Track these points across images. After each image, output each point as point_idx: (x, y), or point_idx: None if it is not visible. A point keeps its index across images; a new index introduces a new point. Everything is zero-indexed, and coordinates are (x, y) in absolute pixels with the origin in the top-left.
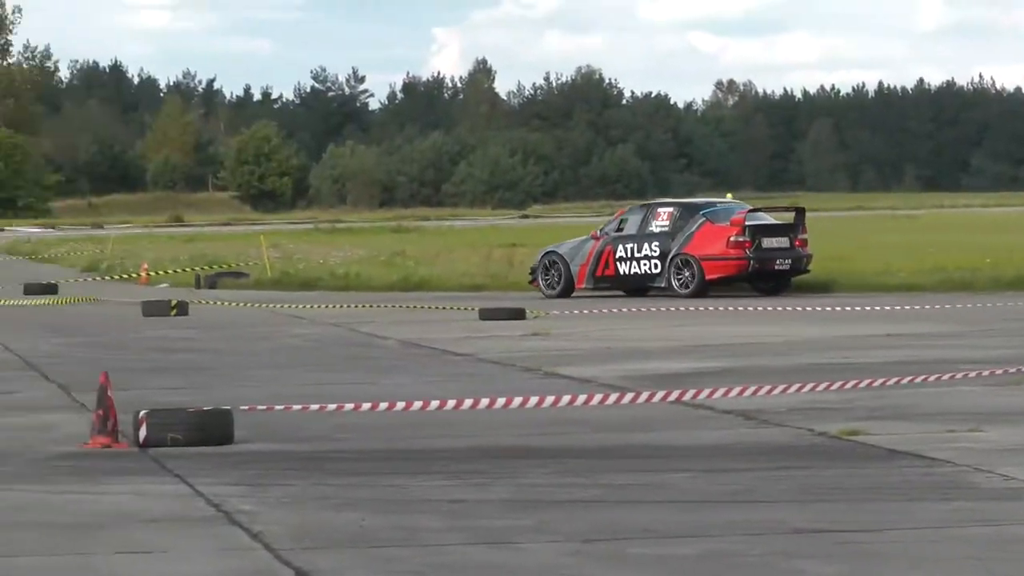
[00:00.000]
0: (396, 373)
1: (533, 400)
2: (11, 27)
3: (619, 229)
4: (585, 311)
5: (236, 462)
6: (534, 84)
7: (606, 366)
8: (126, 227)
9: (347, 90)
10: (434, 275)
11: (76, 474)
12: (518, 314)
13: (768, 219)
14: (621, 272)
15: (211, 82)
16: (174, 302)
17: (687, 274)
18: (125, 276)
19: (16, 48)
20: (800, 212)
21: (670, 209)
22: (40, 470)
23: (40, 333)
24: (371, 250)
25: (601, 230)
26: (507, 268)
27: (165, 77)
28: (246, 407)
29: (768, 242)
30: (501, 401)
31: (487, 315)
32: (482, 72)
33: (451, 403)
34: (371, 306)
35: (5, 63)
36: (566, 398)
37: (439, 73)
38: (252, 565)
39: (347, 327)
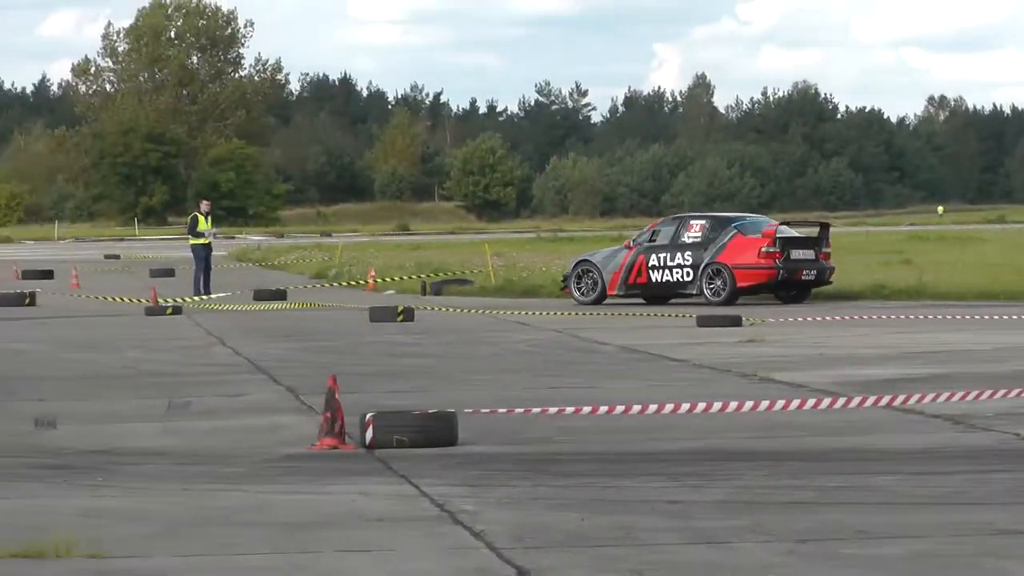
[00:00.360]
0: (615, 377)
1: (748, 404)
2: (243, 41)
3: (652, 240)
4: (799, 319)
5: (459, 463)
6: (751, 98)
7: (819, 372)
8: (354, 235)
9: (570, 103)
10: None
11: (304, 474)
12: (734, 321)
13: (795, 233)
14: (653, 280)
15: (438, 95)
16: (400, 308)
17: (719, 282)
18: (353, 283)
19: (248, 61)
20: (825, 227)
21: (702, 221)
22: (269, 471)
23: (269, 338)
24: None
25: (634, 240)
26: None
27: (393, 90)
28: (470, 410)
29: (796, 254)
30: (717, 405)
31: (704, 322)
32: (701, 86)
33: (669, 407)
34: (591, 313)
35: (237, 76)
36: (780, 402)
37: (659, 87)
38: (475, 563)
39: (568, 333)
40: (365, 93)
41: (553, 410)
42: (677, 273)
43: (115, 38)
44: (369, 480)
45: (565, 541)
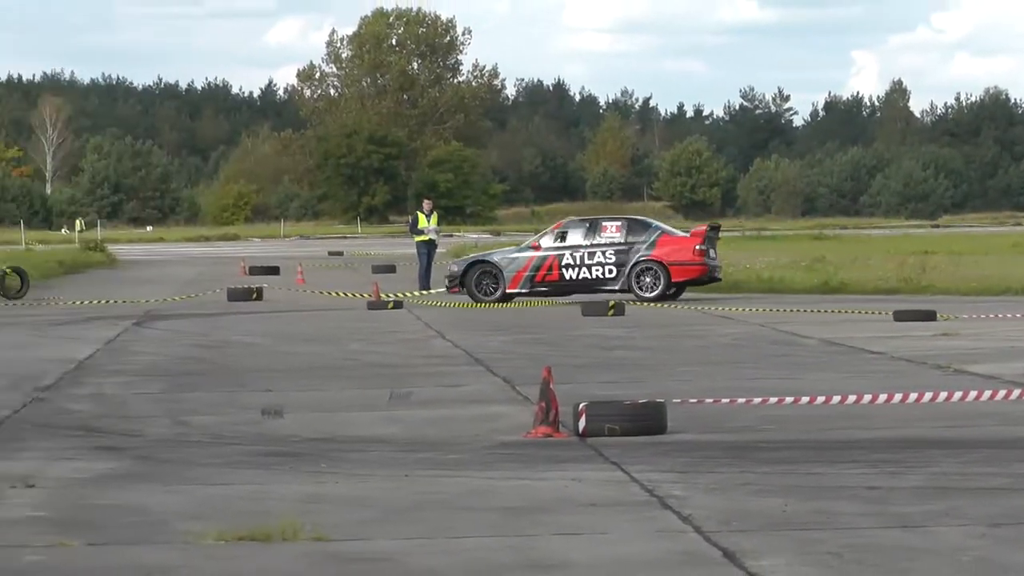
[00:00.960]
0: (816, 369)
1: (943, 395)
2: (461, 48)
3: (560, 240)
4: (992, 315)
5: (668, 451)
6: (945, 103)
7: (1012, 364)
8: None
9: (773, 108)
10: (852, 280)
11: (519, 461)
12: (929, 316)
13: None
14: (567, 277)
15: (647, 100)
16: (612, 303)
17: (649, 279)
18: None
19: (466, 67)
20: (716, 229)
21: (616, 223)
22: (486, 458)
23: (486, 331)
24: (793, 256)
25: (539, 241)
26: (919, 273)
27: (604, 95)
28: (678, 400)
29: (711, 253)
30: (913, 396)
31: (901, 316)
32: (898, 92)
33: (867, 397)
34: (793, 310)
35: (455, 81)
36: (973, 393)
37: (858, 92)
38: (682, 546)
39: (771, 327)
40: (577, 98)
41: (757, 400)
42: (597, 271)
43: (339, 45)
44: (582, 467)
45: (769, 525)
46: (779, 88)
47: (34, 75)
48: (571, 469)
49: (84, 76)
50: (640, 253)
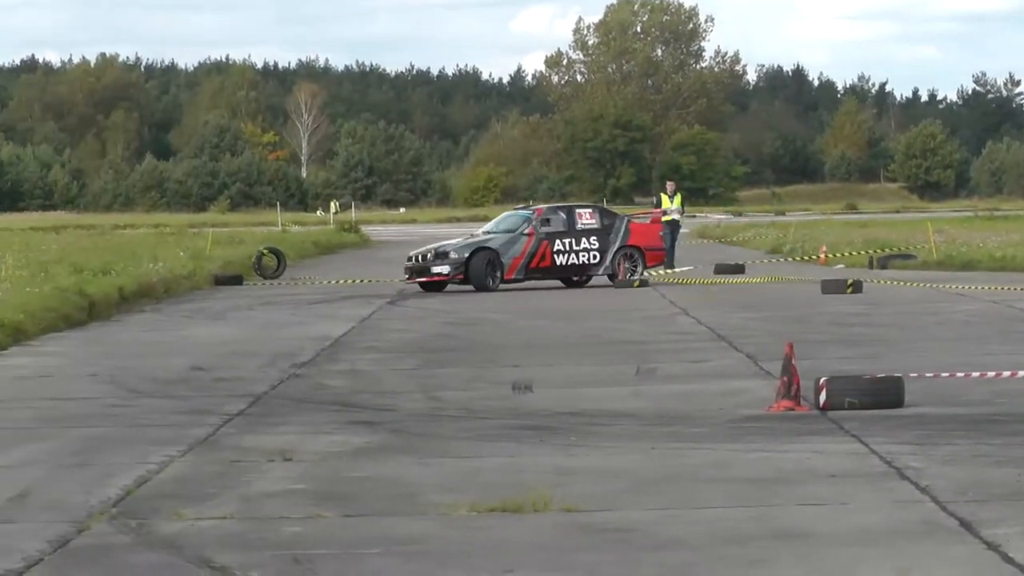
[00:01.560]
0: None
1: None
2: (704, 35)
3: (545, 225)
4: None
5: (906, 424)
6: None
7: None
8: (805, 214)
9: (1004, 92)
10: None
11: (762, 434)
12: None
13: None
14: (558, 263)
15: (883, 85)
16: (850, 281)
17: (628, 264)
18: (805, 258)
19: (708, 53)
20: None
21: (588, 210)
22: (730, 431)
23: (729, 308)
24: None
25: (533, 227)
26: None
27: (842, 80)
28: (915, 374)
29: None
30: None
31: None
32: None
33: None
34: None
35: (698, 67)
36: None
37: None
38: (920, 516)
39: (1004, 304)
40: (816, 83)
41: (991, 374)
42: (584, 256)
43: (585, 32)
44: (822, 439)
45: (1005, 495)
46: (1010, 73)
47: (290, 62)
48: (812, 442)
49: (338, 63)
50: (620, 239)
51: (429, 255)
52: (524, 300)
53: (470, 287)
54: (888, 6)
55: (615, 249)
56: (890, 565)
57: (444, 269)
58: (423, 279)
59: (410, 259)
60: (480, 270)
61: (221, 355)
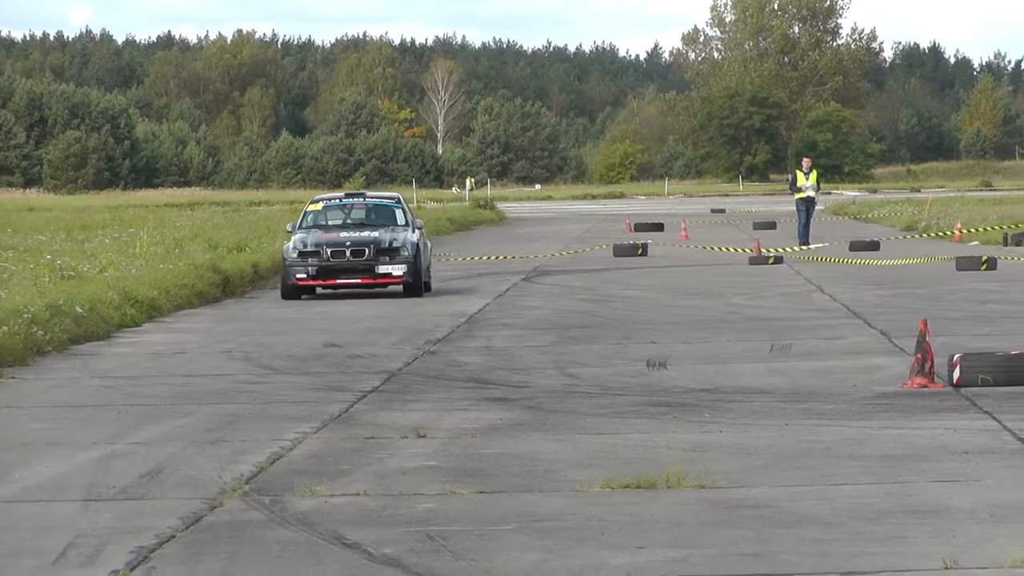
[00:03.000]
0: None
1: None
2: (840, 12)
3: None
4: None
5: None
6: None
7: None
8: (940, 191)
9: None
10: None
11: (896, 411)
12: None
13: None
14: None
15: (1019, 62)
16: (984, 258)
17: None
18: (940, 235)
19: (845, 31)
20: None
21: None
22: (865, 408)
23: (864, 285)
24: None
25: None
26: None
27: (978, 57)
28: None
29: None
30: None
31: None
32: None
33: None
34: None
35: (835, 44)
36: None
37: None
38: None
39: None
40: (952, 60)
41: None
42: None
43: (722, 10)
44: (955, 416)
45: None
46: None
47: (427, 39)
48: (945, 418)
49: (475, 40)
50: None
51: (368, 250)
52: (660, 277)
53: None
54: None
55: None
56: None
57: (397, 270)
58: (348, 281)
59: (310, 254)
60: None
61: (356, 332)
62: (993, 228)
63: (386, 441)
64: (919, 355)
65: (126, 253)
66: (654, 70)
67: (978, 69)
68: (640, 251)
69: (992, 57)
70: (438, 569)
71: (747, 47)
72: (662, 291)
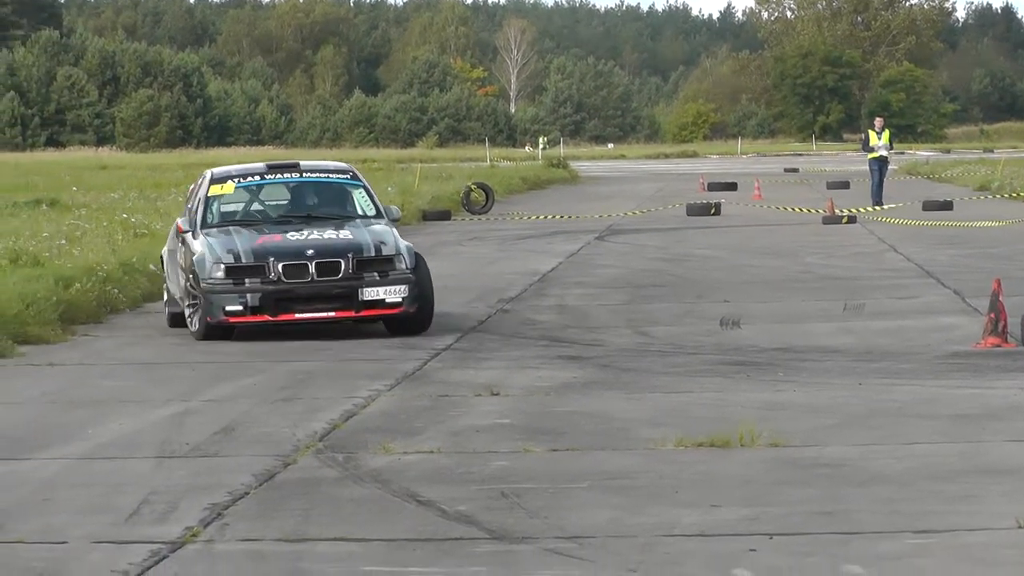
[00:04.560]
0: None
1: None
2: None
3: None
4: None
5: None
6: None
7: None
8: (1014, 151)
9: None
10: None
11: (969, 371)
12: None
13: None
14: None
15: None
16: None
17: None
18: (1013, 195)
19: None
20: None
21: None
22: (938, 367)
23: (937, 245)
24: None
25: None
26: None
27: None
28: None
29: None
30: None
31: None
32: None
33: None
34: None
35: (908, 5)
36: None
37: None
38: None
39: None
40: None
41: None
42: None
43: None
44: None
45: None
46: None
47: None
48: (1019, 378)
49: None
50: None
51: (344, 264)
52: (734, 236)
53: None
54: None
55: None
56: None
57: (393, 295)
58: (313, 316)
59: (245, 271)
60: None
61: None
62: None
63: (459, 399)
64: (992, 315)
65: None
66: (727, 29)
67: None
68: (713, 210)
69: None
70: (512, 526)
71: (820, 6)
72: (735, 250)
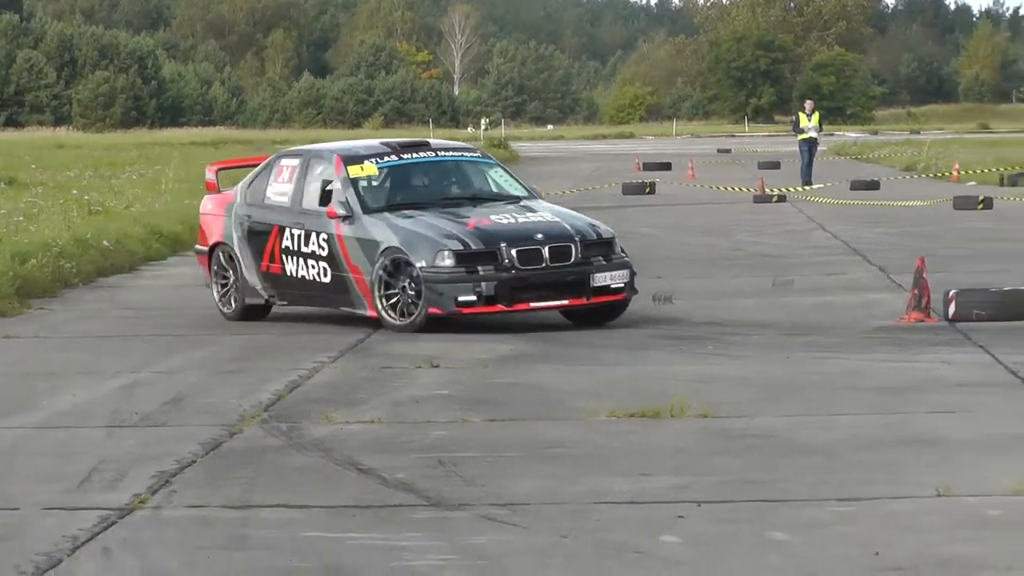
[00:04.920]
0: None
1: None
2: None
3: None
4: None
5: None
6: None
7: None
8: (939, 133)
9: None
10: None
11: (894, 345)
12: None
13: None
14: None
15: (1017, 9)
16: (981, 197)
17: None
18: (938, 175)
19: None
20: None
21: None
22: (863, 341)
23: (864, 224)
24: None
25: None
26: None
27: (978, 4)
28: None
29: None
30: None
31: None
32: None
33: None
34: None
35: None
36: None
37: None
38: None
39: None
40: (953, 7)
41: None
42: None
43: None
44: (950, 350)
45: None
46: None
47: None
48: (940, 352)
49: None
50: None
51: (573, 249)
52: (668, 214)
53: None
54: None
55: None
56: (1016, 470)
57: (617, 281)
58: (548, 304)
59: (477, 258)
60: None
61: None
62: (990, 170)
63: (400, 371)
64: (916, 291)
65: (152, 189)
66: (664, 15)
67: (977, 15)
68: (648, 189)
69: (991, 4)
70: (448, 494)
71: None
72: (669, 228)
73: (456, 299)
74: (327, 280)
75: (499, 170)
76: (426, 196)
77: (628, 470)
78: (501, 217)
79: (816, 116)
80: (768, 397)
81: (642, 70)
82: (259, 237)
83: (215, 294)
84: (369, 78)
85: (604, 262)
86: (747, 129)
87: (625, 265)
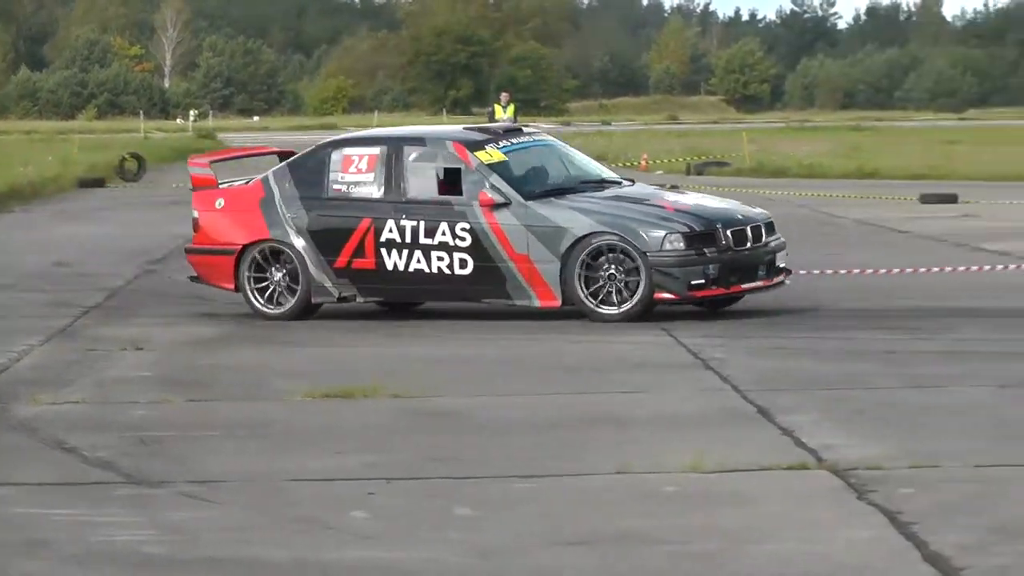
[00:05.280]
0: (850, 245)
1: (961, 268)
2: None
3: None
4: (1011, 201)
5: (711, 317)
6: (974, 9)
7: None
8: (630, 124)
9: (820, 12)
10: (883, 166)
11: (580, 327)
12: (951, 199)
13: None
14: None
15: (707, 5)
16: (668, 186)
17: None
18: (628, 164)
19: None
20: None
21: None
22: (552, 324)
23: None
24: (833, 145)
25: None
26: (946, 161)
27: (669, 1)
28: None
29: None
30: (936, 269)
31: (926, 199)
32: None
33: (895, 271)
34: (830, 194)
35: None
36: (987, 267)
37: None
38: (722, 403)
39: (810, 208)
40: (645, 3)
41: (803, 272)
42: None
43: None
44: (637, 332)
45: (799, 385)
46: None
47: None
48: (630, 333)
49: None
50: None
51: (762, 230)
52: None
53: None
54: None
55: None
56: (693, 448)
57: (783, 260)
58: (751, 286)
59: (703, 239)
60: None
61: (83, 252)
62: (677, 159)
63: (106, 353)
64: None
65: None
66: (368, 10)
67: (669, 12)
68: None
69: (683, 1)
70: (148, 471)
71: None
72: None
73: (690, 283)
74: (466, 272)
75: (579, 154)
76: (561, 180)
77: (323, 449)
78: (688, 200)
79: (512, 108)
80: (458, 378)
81: (346, 64)
82: (333, 232)
83: (250, 295)
84: (84, 71)
85: (775, 244)
86: (445, 120)
87: (783, 247)
